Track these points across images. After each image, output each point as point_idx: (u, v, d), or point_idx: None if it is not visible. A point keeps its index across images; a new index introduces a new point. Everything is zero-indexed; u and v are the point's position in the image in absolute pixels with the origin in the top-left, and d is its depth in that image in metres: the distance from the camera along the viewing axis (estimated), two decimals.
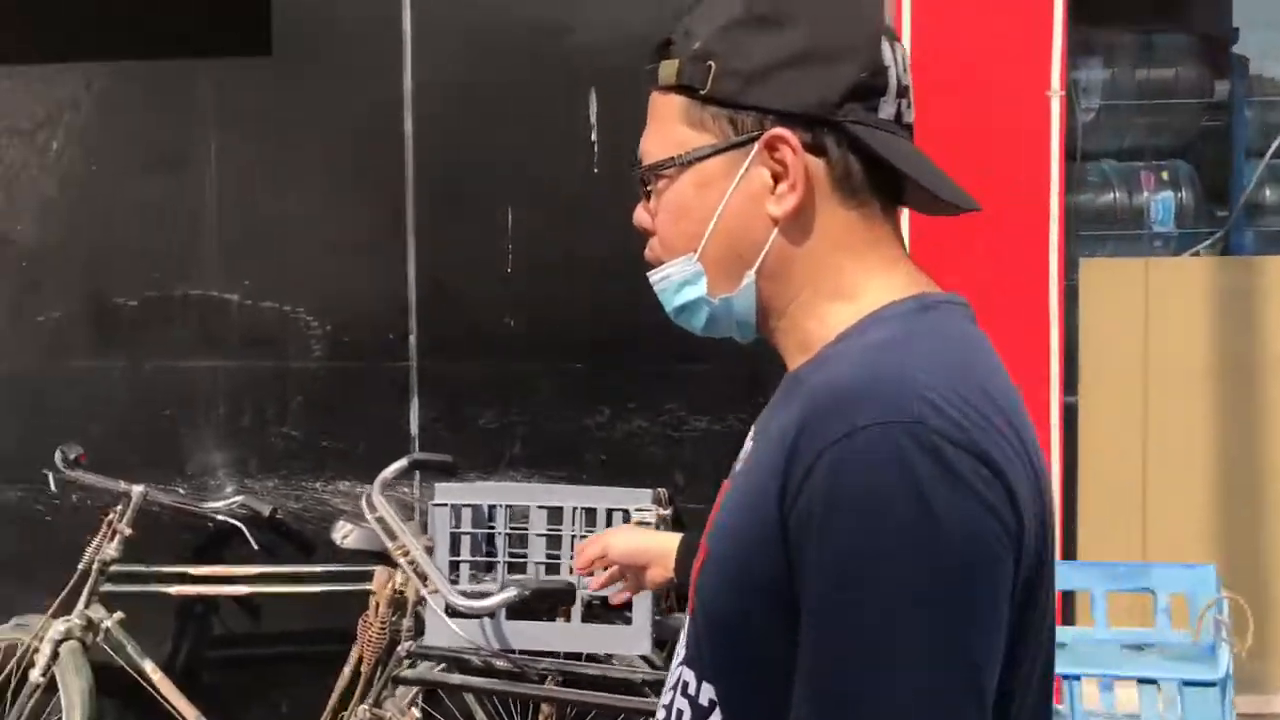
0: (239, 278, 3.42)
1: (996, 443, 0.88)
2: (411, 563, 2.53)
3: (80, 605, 3.08)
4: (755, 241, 1.00)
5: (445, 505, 2.91)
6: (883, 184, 1.00)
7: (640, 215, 1.08)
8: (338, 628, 3.12)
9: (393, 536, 2.60)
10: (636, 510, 2.85)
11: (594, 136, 3.25)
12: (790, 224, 0.99)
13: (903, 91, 1.00)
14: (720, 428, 3.23)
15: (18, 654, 3.10)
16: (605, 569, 1.64)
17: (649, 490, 2.91)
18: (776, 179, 0.98)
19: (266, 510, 3.21)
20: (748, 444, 1.04)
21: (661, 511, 2.84)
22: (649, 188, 1.05)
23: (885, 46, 0.99)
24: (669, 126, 1.02)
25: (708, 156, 1.00)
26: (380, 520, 2.64)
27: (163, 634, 3.40)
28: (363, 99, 3.34)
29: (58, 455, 3.12)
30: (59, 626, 3.05)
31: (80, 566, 3.09)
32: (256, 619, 3.42)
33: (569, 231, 3.27)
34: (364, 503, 2.71)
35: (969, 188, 1.02)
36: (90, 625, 3.08)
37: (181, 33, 3.39)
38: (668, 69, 1.01)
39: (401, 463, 2.84)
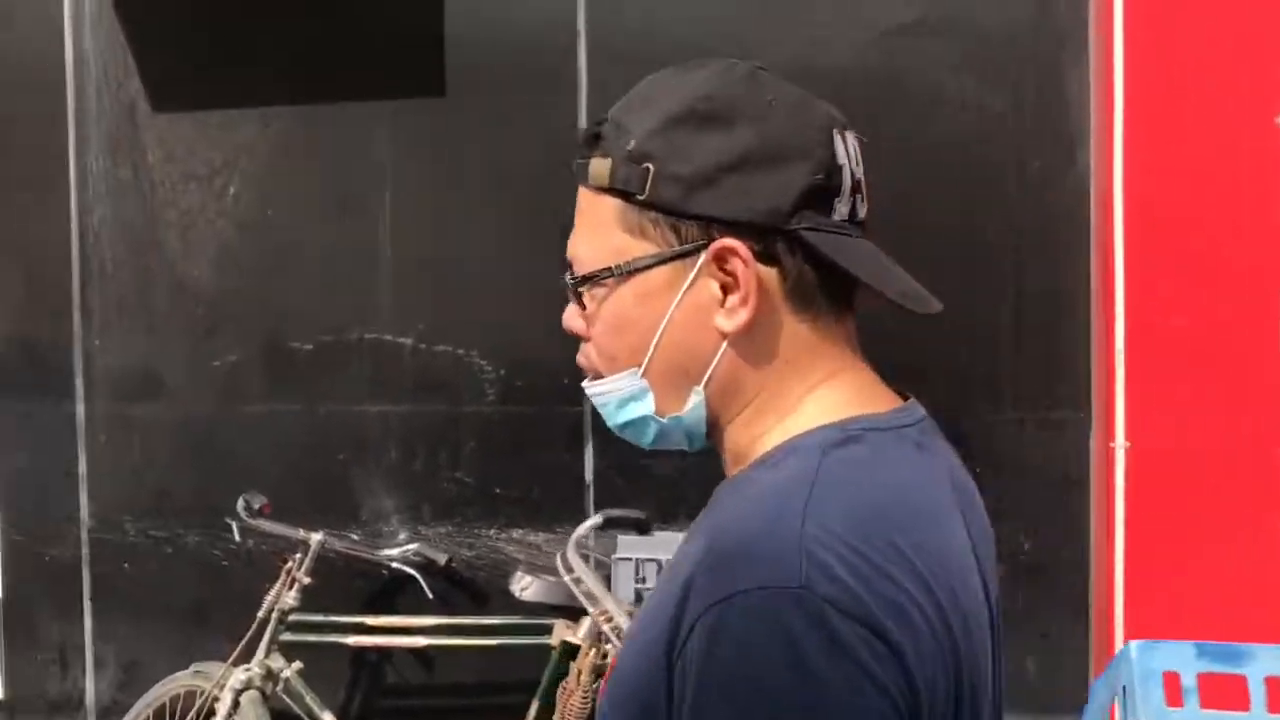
0: (413, 321, 3.39)
1: (896, 607, 0.81)
2: (616, 630, 2.44)
3: (260, 654, 3.06)
4: (703, 356, 0.93)
5: (630, 560, 2.82)
6: (835, 289, 0.94)
7: (571, 319, 0.99)
8: (514, 679, 3.05)
9: (592, 599, 2.51)
10: None
11: None
12: (741, 338, 0.92)
13: (857, 187, 0.94)
14: None
15: (198, 702, 3.10)
16: None
17: None
18: (726, 290, 0.91)
19: (442, 558, 3.15)
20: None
21: None
22: (582, 294, 0.96)
23: (837, 140, 0.92)
24: (604, 231, 0.94)
25: (650, 267, 0.92)
26: (578, 581, 2.55)
27: (337, 682, 3.38)
28: (536, 139, 3.28)
29: (240, 504, 3.10)
30: (240, 675, 3.03)
31: (260, 614, 3.07)
32: (430, 669, 3.37)
33: None
34: (559, 562, 2.63)
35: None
36: (270, 674, 3.06)
37: (356, 76, 3.39)
38: (599, 168, 0.93)
39: (595, 519, 2.76)
